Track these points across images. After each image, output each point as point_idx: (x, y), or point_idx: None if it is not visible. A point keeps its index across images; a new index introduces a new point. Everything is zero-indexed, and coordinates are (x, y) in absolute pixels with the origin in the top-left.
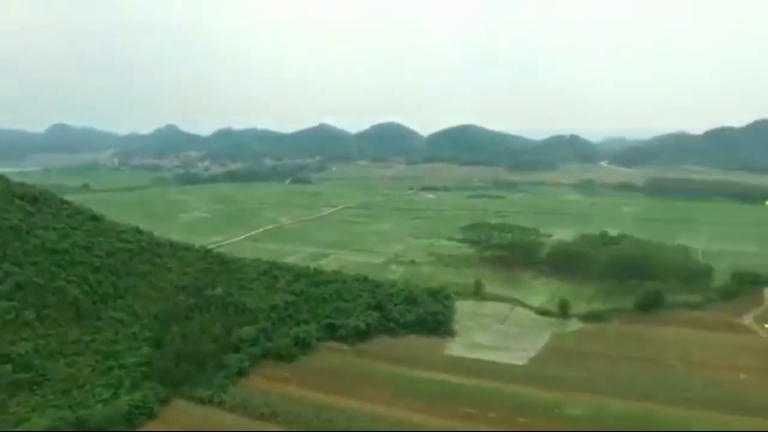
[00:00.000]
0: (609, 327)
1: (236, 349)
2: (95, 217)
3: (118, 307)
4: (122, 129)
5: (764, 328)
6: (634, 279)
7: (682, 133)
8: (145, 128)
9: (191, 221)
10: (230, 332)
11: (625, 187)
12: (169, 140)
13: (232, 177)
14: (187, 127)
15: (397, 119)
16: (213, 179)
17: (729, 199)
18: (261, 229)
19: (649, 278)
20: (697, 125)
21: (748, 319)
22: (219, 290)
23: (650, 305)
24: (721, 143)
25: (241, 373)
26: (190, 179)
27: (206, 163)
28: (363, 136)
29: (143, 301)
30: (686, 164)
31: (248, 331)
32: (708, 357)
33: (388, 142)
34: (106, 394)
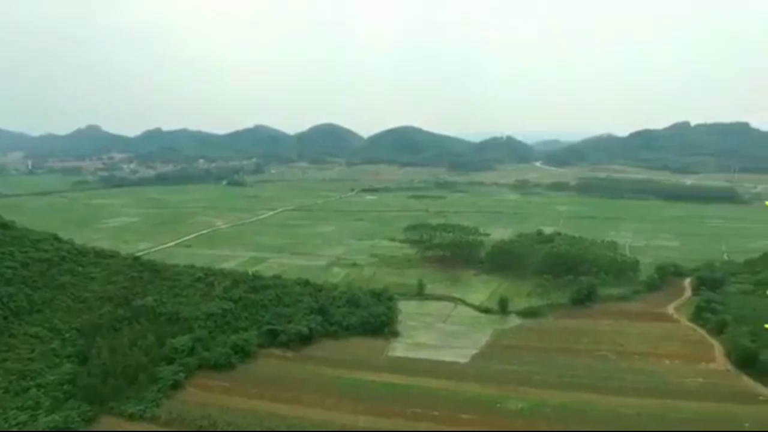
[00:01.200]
0: (546, 322)
1: (170, 361)
2: (5, 225)
3: (34, 321)
4: (35, 130)
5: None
6: (569, 274)
7: (609, 135)
8: (63, 129)
9: (118, 227)
10: (163, 343)
11: (559, 187)
12: (91, 141)
13: (162, 180)
14: (112, 127)
15: (335, 120)
16: (142, 182)
17: (651, 196)
18: (195, 234)
19: (582, 273)
20: (622, 127)
21: (670, 309)
22: (150, 299)
23: (584, 299)
24: (644, 144)
25: (176, 385)
26: (116, 183)
27: (133, 165)
28: (301, 137)
29: (64, 315)
30: (613, 164)
31: (183, 341)
32: (636, 346)
33: (327, 143)
34: (22, 417)
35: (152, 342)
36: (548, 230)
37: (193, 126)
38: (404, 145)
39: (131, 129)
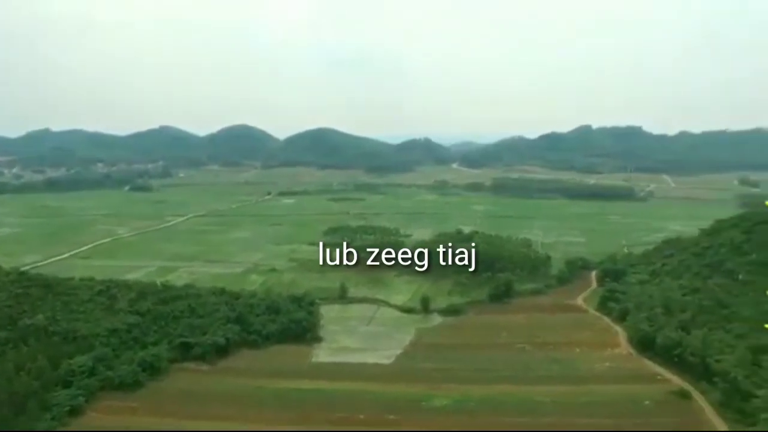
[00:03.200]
0: (467, 319)
1: (67, 384)
2: None
3: None
4: None
5: None
6: (487, 272)
7: (520, 137)
8: None
9: None
10: (58, 365)
11: (475, 187)
12: None
13: (53, 186)
14: None
15: (249, 121)
16: (27, 188)
17: (559, 195)
18: (93, 244)
19: (500, 270)
20: (532, 130)
21: (579, 300)
22: (40, 318)
23: (501, 295)
24: (552, 146)
25: (75, 410)
26: None
27: (16, 170)
28: (212, 138)
29: None
30: (525, 165)
31: (81, 361)
32: (551, 337)
33: (240, 145)
34: None
35: (44, 365)
36: (467, 230)
37: (88, 126)
38: (322, 147)
39: (13, 129)
